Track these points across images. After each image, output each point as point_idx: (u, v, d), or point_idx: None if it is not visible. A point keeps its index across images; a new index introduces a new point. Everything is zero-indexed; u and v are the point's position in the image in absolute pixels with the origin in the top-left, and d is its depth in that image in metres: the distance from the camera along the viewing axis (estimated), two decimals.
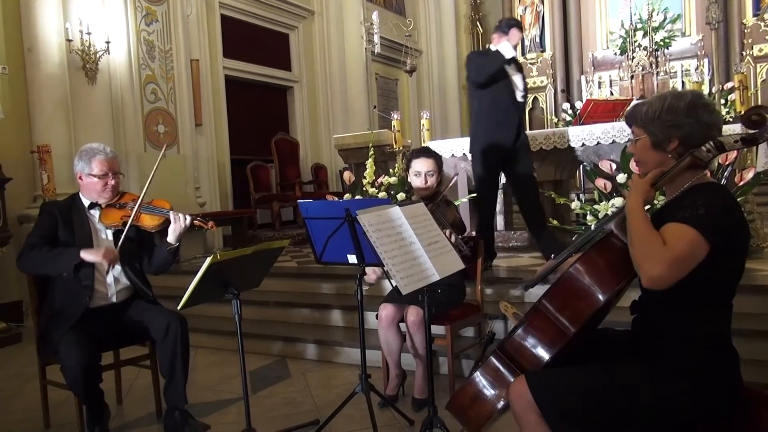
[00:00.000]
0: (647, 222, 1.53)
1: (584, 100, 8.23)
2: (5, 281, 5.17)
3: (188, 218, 2.78)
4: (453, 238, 2.81)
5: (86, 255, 2.68)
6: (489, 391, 1.70)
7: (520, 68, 4.51)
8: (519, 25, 4.38)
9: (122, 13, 6.08)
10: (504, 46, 4.24)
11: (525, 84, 4.48)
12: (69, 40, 5.48)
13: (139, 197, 2.80)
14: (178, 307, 2.33)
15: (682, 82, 8.76)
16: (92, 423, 2.73)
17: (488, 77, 4.21)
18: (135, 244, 2.91)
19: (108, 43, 5.73)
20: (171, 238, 2.82)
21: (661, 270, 1.43)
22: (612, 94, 10.00)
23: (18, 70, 5.43)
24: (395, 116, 5.83)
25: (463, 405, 1.73)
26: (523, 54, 10.89)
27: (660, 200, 3.44)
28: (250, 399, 2.60)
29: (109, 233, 2.89)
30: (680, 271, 1.45)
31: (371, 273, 3.09)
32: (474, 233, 4.54)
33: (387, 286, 3.97)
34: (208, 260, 2.20)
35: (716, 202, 1.52)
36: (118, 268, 2.86)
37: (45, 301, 2.86)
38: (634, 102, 6.55)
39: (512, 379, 1.65)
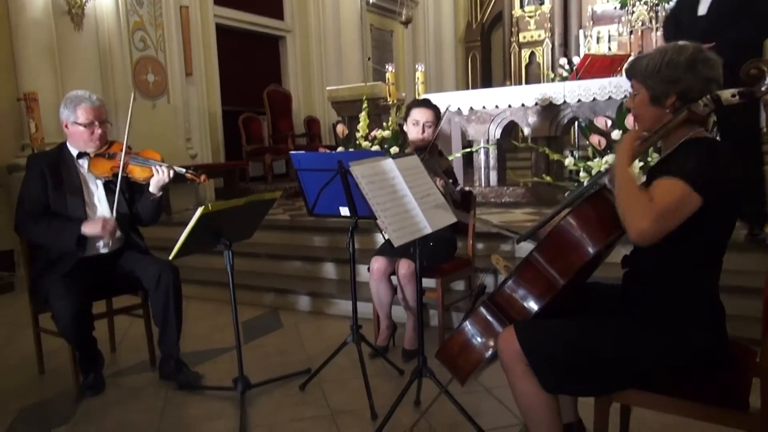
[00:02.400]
0: (633, 178, 1.54)
1: (582, 55, 8.11)
2: None
3: (171, 171, 2.74)
4: (442, 183, 2.81)
5: (87, 230, 2.70)
6: (478, 341, 1.72)
7: None
8: None
9: None
10: None
11: None
12: None
13: (128, 147, 2.77)
14: (170, 257, 2.34)
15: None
16: (86, 369, 2.78)
17: None
18: (126, 195, 2.88)
19: None
20: (153, 188, 2.79)
21: (646, 223, 1.43)
22: (610, 49, 9.85)
23: (1, 15, 5.26)
24: (390, 69, 5.74)
25: (452, 353, 1.76)
26: (522, 7, 10.66)
27: (654, 157, 3.43)
28: (243, 348, 2.63)
29: (100, 183, 2.86)
30: (667, 225, 1.45)
31: None
32: (467, 188, 4.53)
33: (379, 239, 3.98)
34: (200, 210, 2.19)
35: (709, 156, 1.51)
36: (110, 216, 2.83)
37: (39, 251, 2.86)
38: (633, 56, 6.45)
39: (501, 330, 1.68)
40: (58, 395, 2.78)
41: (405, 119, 3.23)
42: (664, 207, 1.44)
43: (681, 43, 1.61)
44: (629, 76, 1.69)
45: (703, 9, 3.16)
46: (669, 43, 1.65)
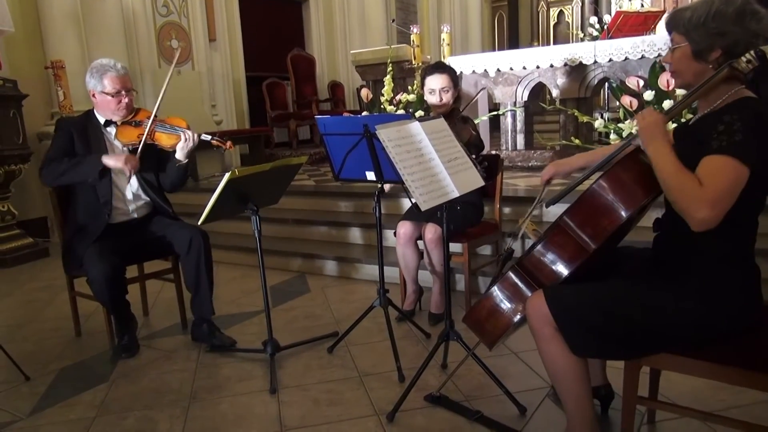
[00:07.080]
0: (678, 164, 1.44)
1: (613, 13, 7.83)
2: (29, 198, 5.27)
3: (196, 136, 2.75)
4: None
5: (108, 160, 2.71)
6: (506, 305, 1.72)
7: None
8: None
9: None
10: None
11: None
12: None
13: (154, 115, 2.78)
14: (199, 222, 2.37)
15: None
16: (120, 332, 2.86)
17: None
18: (152, 161, 2.91)
19: None
20: (179, 155, 2.81)
21: (706, 212, 1.36)
22: (643, 6, 9.49)
23: None
24: (414, 30, 5.62)
25: (480, 318, 1.75)
26: None
27: (687, 117, 3.32)
28: (271, 312, 2.67)
29: (126, 151, 2.89)
30: (727, 206, 1.38)
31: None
32: (493, 152, 4.47)
33: (405, 204, 3.97)
34: (227, 176, 2.20)
35: (751, 120, 1.42)
36: (135, 184, 2.88)
37: (67, 216, 2.92)
38: (673, 8, 6.18)
39: (530, 294, 1.67)
40: (95, 356, 2.87)
41: (422, 89, 3.15)
42: (720, 191, 1.37)
43: None
44: (669, 29, 1.60)
45: None
46: None
